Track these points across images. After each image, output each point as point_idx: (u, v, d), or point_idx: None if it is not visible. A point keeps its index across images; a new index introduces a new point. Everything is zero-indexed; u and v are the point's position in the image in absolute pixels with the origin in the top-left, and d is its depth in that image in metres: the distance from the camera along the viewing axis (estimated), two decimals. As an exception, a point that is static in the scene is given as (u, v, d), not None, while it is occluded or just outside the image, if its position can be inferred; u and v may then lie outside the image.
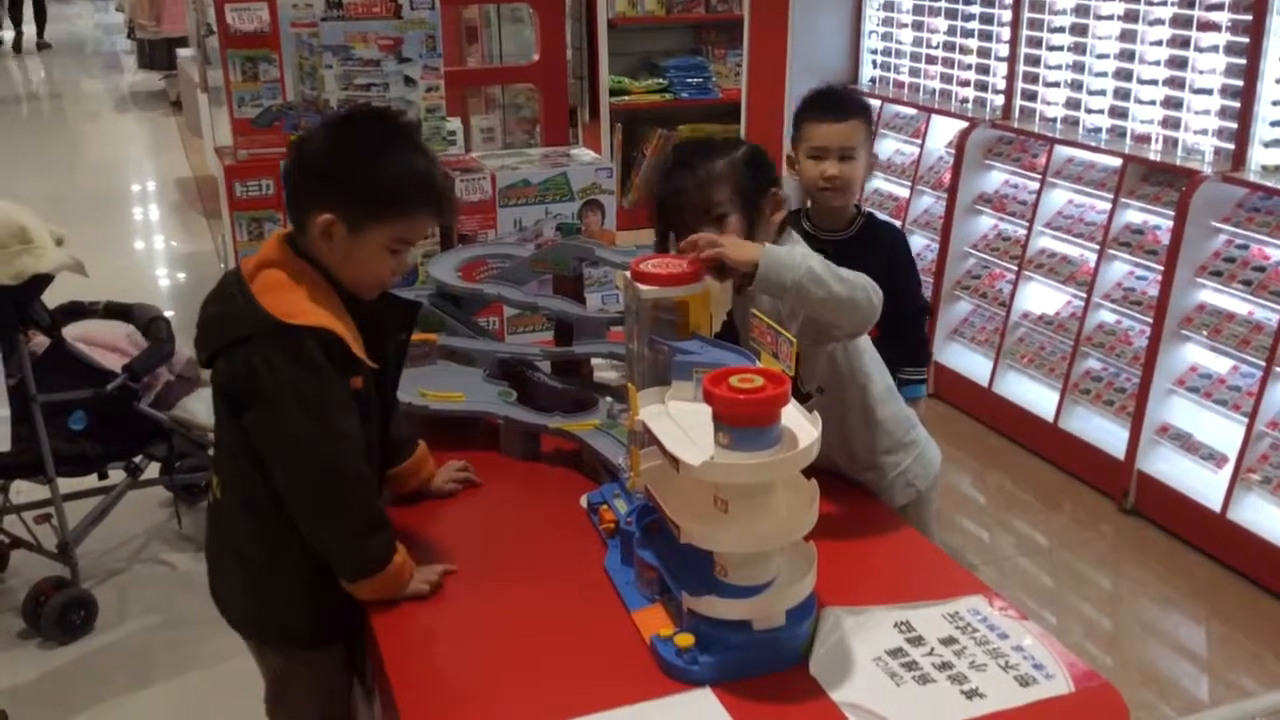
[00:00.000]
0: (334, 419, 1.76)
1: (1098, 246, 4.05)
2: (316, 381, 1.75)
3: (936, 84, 5.11)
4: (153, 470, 3.57)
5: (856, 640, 1.68)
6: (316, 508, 1.79)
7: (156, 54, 12.44)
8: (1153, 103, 4.00)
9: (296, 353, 1.73)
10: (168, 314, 3.57)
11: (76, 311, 3.46)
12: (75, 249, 3.24)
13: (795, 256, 1.89)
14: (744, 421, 1.54)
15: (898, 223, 4.72)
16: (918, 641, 1.68)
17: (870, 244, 2.69)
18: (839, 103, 2.71)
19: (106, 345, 3.45)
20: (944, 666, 1.63)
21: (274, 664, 1.99)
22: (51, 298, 3.22)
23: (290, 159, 1.88)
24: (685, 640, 1.61)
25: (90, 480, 3.47)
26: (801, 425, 1.62)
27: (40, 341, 3.23)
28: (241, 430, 1.80)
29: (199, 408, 3.50)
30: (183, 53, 9.76)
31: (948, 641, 1.68)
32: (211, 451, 3.46)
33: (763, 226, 2.11)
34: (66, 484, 3.30)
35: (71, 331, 3.38)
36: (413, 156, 1.84)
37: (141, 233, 7.74)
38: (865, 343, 2.18)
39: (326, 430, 1.75)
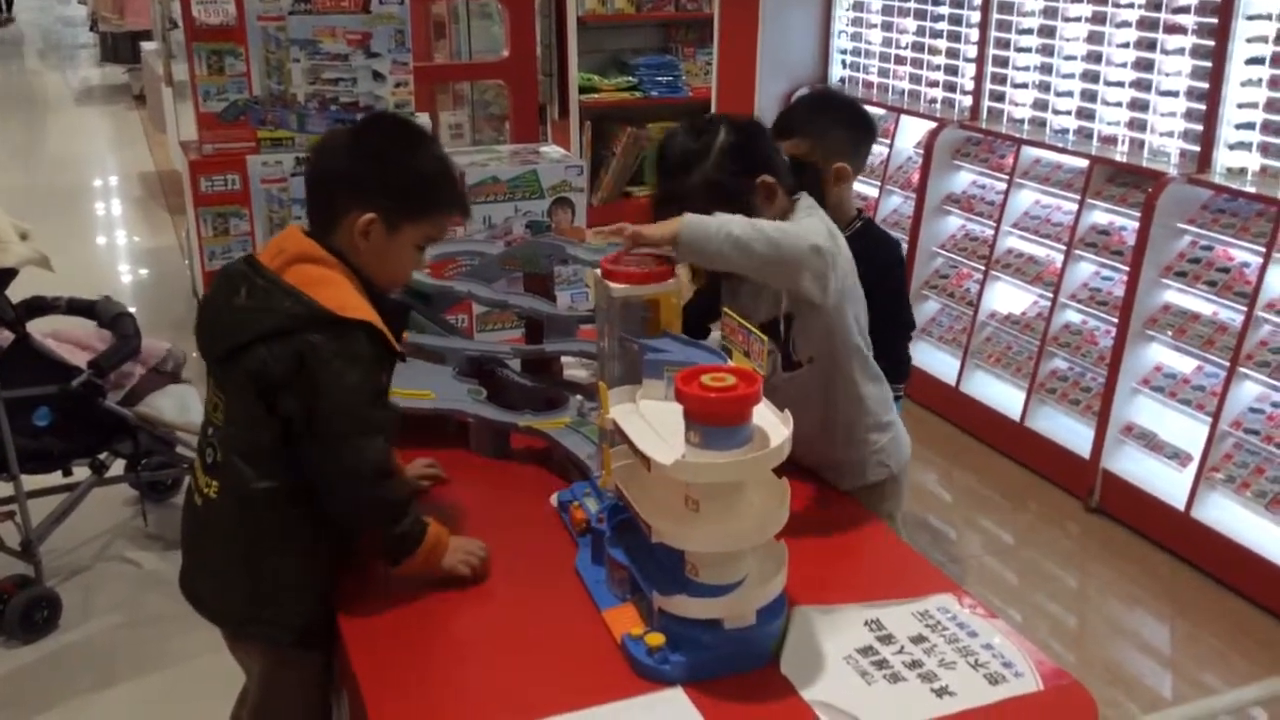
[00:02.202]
0: (375, 414, 1.82)
1: (1064, 247, 4.08)
2: (363, 376, 1.79)
3: (905, 84, 5.13)
4: (118, 468, 3.53)
5: (827, 639, 1.68)
6: (350, 498, 1.82)
7: (120, 47, 12.33)
8: (1119, 104, 4.03)
9: (350, 346, 1.78)
10: (131, 309, 3.53)
11: (39, 307, 3.42)
12: (38, 244, 3.21)
13: (713, 225, 1.89)
14: (715, 420, 1.54)
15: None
16: (888, 640, 1.68)
17: (860, 250, 2.68)
18: (783, 120, 2.69)
19: (77, 342, 3.40)
20: (914, 665, 1.63)
21: (262, 664, 1.95)
22: (13, 293, 3.18)
23: (316, 163, 1.93)
24: (656, 640, 1.61)
25: (54, 477, 3.43)
26: (773, 424, 1.62)
27: (4, 336, 3.19)
28: (272, 424, 1.79)
29: (165, 404, 3.46)
30: (147, 46, 9.68)
31: (918, 640, 1.69)
32: (178, 449, 3.50)
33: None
34: (30, 481, 3.26)
35: (43, 328, 3.35)
36: (438, 157, 1.95)
37: (104, 228, 7.66)
38: (859, 318, 2.18)
39: (366, 426, 1.79)
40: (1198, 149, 3.71)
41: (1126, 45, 3.98)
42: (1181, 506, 3.57)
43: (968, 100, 4.71)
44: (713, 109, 5.92)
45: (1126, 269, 3.81)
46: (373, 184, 1.86)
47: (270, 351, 1.76)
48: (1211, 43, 3.62)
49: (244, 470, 1.82)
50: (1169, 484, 3.68)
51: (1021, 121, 4.46)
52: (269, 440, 1.81)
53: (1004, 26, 4.49)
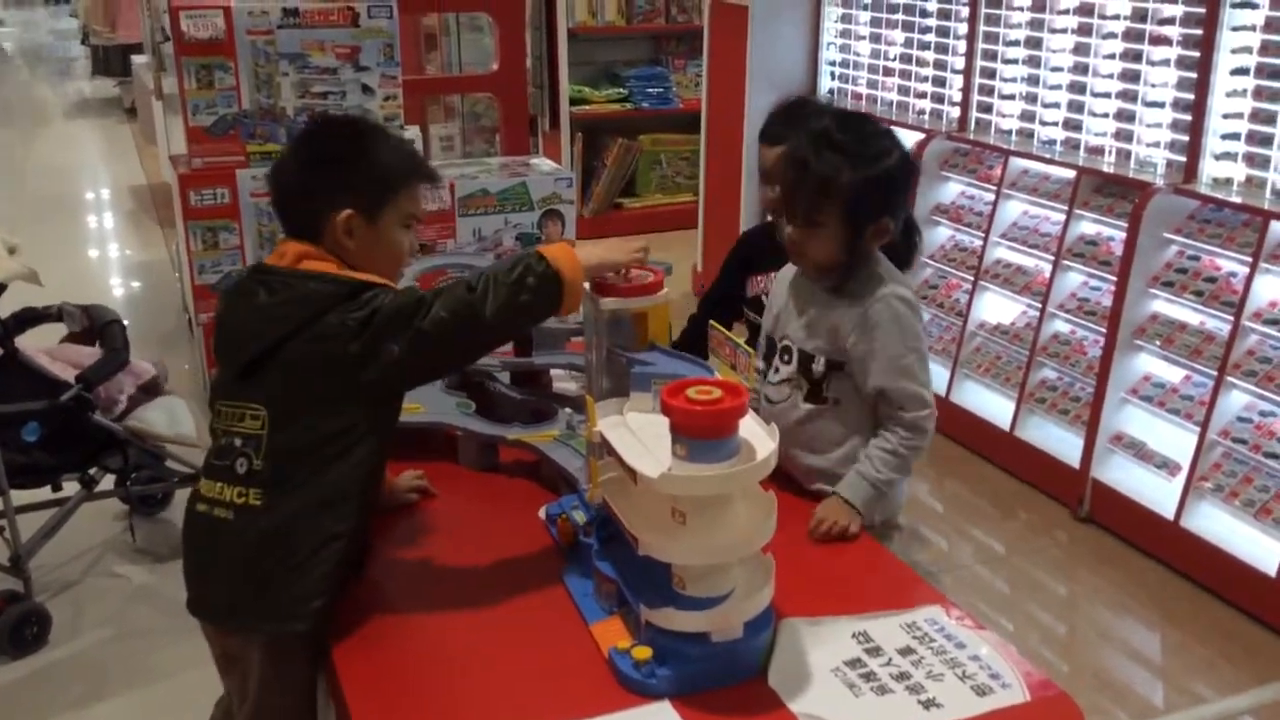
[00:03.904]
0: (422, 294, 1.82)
1: (1052, 257, 4.09)
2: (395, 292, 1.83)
3: (894, 95, 5.14)
4: (108, 483, 3.53)
5: (815, 651, 1.69)
6: (475, 338, 1.84)
7: (111, 60, 12.31)
8: (1106, 115, 4.04)
9: (372, 294, 1.81)
10: (123, 321, 3.53)
11: (31, 318, 3.42)
12: (27, 257, 3.20)
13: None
14: (701, 433, 1.55)
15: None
16: (876, 652, 1.69)
17: None
18: (782, 125, 2.64)
19: (69, 360, 3.39)
20: (901, 677, 1.63)
21: (262, 664, 1.92)
22: (3, 308, 3.18)
23: (277, 185, 1.96)
24: (643, 653, 1.61)
25: (44, 492, 3.43)
26: (759, 437, 1.63)
27: (-8, 352, 3.19)
28: (321, 416, 1.80)
29: (155, 417, 3.46)
30: (138, 59, 9.69)
31: (905, 652, 1.69)
32: (168, 463, 3.49)
33: (854, 250, 2.09)
34: (19, 496, 3.26)
35: (37, 346, 3.34)
36: (390, 139, 1.99)
37: (95, 241, 7.66)
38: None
39: (421, 299, 1.79)
40: (1184, 159, 3.73)
41: (1112, 56, 3.99)
42: (1170, 515, 3.58)
43: (956, 111, 4.72)
44: (703, 121, 5.93)
45: (1114, 279, 3.82)
46: (337, 184, 1.89)
47: (313, 335, 1.78)
48: (1197, 54, 3.64)
49: (295, 470, 1.81)
50: (1158, 493, 3.69)
51: (1009, 132, 4.48)
52: (318, 436, 1.81)
53: (991, 38, 4.50)
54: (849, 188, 2.03)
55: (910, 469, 2.14)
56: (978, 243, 4.45)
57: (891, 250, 2.19)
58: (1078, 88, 4.15)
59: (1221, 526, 3.50)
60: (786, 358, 2.21)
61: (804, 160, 2.07)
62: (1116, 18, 3.96)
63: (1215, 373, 3.49)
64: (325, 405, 1.81)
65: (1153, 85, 3.86)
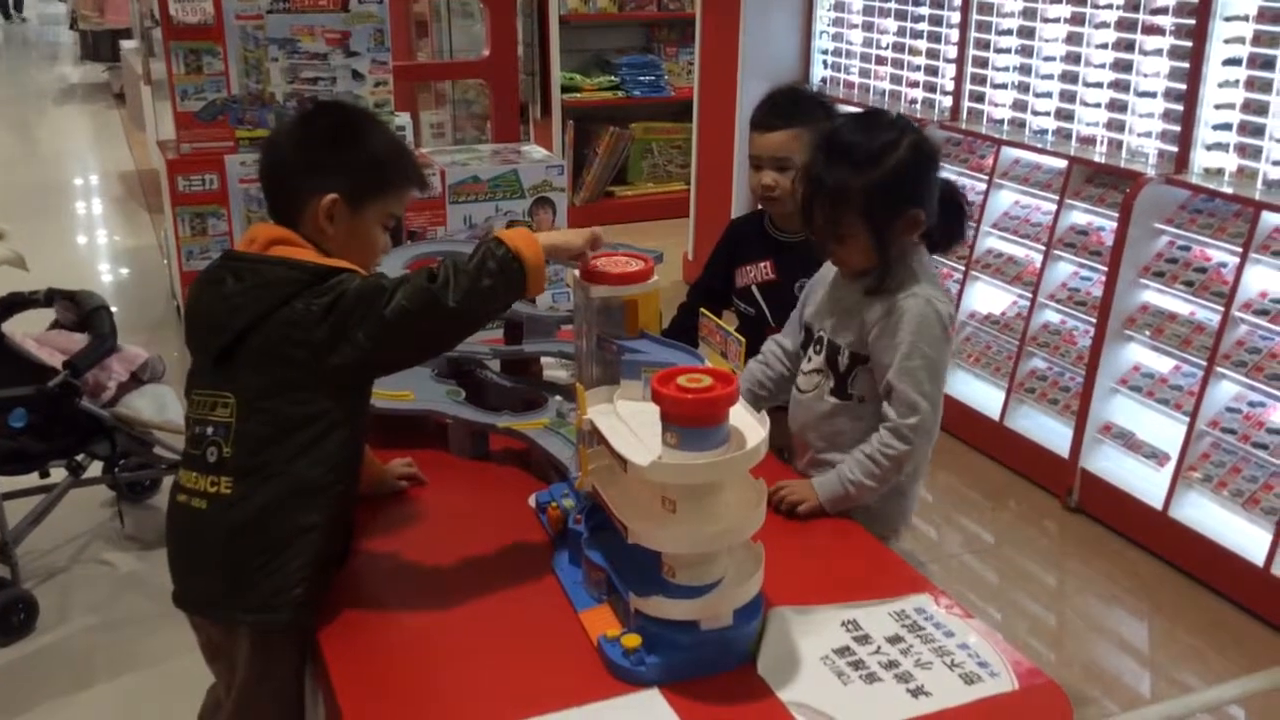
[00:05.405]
0: (388, 284, 1.79)
1: (1043, 247, 4.09)
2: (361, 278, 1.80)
3: (886, 85, 5.14)
4: (96, 469, 3.51)
5: (804, 639, 1.68)
6: (439, 328, 1.80)
7: (100, 46, 12.27)
8: (1098, 105, 4.04)
9: (338, 280, 1.78)
10: (112, 309, 3.51)
11: (18, 303, 3.40)
12: (15, 243, 3.19)
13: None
14: (691, 421, 1.54)
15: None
16: (864, 640, 1.69)
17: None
18: (774, 112, 2.63)
19: (57, 346, 3.37)
20: (890, 665, 1.63)
21: (249, 657, 1.91)
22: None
23: (269, 157, 1.93)
24: (632, 641, 1.61)
25: (31, 479, 3.41)
26: (749, 425, 1.62)
27: (-22, 338, 3.17)
28: (288, 406, 1.78)
29: (142, 404, 3.44)
30: (126, 44, 9.65)
31: (894, 640, 1.69)
32: (156, 449, 3.48)
33: (887, 249, 2.08)
34: (6, 482, 3.25)
35: (24, 332, 3.32)
36: (388, 134, 1.98)
37: (84, 227, 7.63)
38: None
39: (382, 291, 1.76)
40: (1175, 149, 3.73)
41: (1105, 46, 3.99)
42: (1159, 505, 3.59)
43: (948, 101, 4.72)
44: (695, 109, 5.92)
45: (1105, 269, 3.82)
46: (330, 167, 1.87)
47: (277, 322, 1.76)
48: (1189, 44, 3.64)
49: (264, 459, 1.79)
50: (1147, 483, 3.69)
51: (1001, 122, 4.47)
52: (285, 423, 1.79)
53: (984, 27, 4.50)
54: (862, 195, 2.02)
55: (888, 479, 2.07)
56: (969, 232, 4.44)
57: (934, 228, 2.15)
58: (1070, 77, 4.14)
59: (1210, 516, 3.50)
60: (818, 348, 2.20)
61: (816, 176, 2.06)
62: (1109, 7, 3.95)
63: (1205, 363, 3.49)
64: (292, 392, 1.80)
65: (1145, 75, 3.86)
